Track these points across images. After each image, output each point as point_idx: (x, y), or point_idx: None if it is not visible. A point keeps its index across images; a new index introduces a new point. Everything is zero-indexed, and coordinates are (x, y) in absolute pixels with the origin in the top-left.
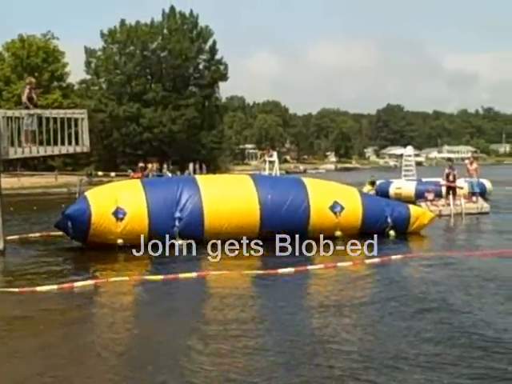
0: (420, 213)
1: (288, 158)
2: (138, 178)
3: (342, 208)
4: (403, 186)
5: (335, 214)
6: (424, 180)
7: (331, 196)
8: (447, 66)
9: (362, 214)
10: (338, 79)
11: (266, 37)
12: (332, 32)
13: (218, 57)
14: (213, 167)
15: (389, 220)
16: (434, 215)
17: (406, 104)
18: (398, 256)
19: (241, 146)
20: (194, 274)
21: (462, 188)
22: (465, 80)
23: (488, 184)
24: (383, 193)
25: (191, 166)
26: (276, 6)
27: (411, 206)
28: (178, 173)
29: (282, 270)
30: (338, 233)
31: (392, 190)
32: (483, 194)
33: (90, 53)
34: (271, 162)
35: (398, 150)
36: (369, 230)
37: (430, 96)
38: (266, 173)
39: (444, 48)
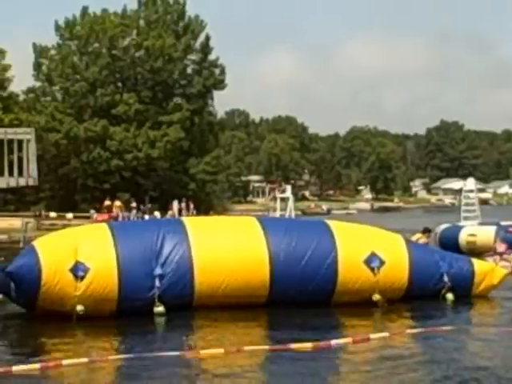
0: (488, 269)
1: (307, 193)
2: (103, 220)
3: (382, 262)
4: (479, 232)
5: (372, 270)
6: (503, 224)
7: (367, 245)
8: None
9: (409, 270)
10: (376, 88)
11: (280, 31)
12: (370, 26)
13: (212, 57)
14: (205, 206)
15: (445, 279)
16: (507, 272)
17: (466, 121)
18: (452, 327)
19: (243, 178)
20: (178, 353)
21: None
22: None
23: None
24: (450, 242)
25: (176, 204)
26: None
27: (475, 261)
28: (158, 214)
29: (297, 344)
30: (377, 296)
31: (463, 238)
32: None
33: (40, 51)
34: (284, 200)
35: (455, 184)
36: (418, 292)
37: (499, 110)
38: (277, 214)
39: None
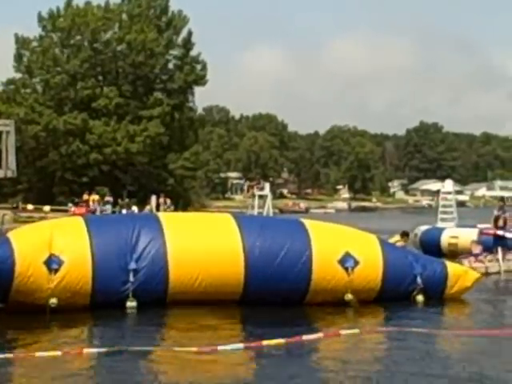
0: (461, 272)
1: (285, 191)
2: (81, 214)
3: (356, 262)
4: (461, 234)
5: (346, 270)
6: (480, 226)
7: (341, 245)
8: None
9: (383, 271)
10: (357, 87)
11: (264, 27)
12: (355, 25)
13: (194, 53)
14: (183, 202)
15: (418, 280)
16: (480, 275)
17: (445, 122)
18: (423, 329)
19: (222, 175)
20: (151, 348)
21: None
22: None
23: None
24: (432, 244)
25: (154, 199)
26: None
27: (449, 263)
28: (135, 208)
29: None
30: (349, 296)
31: (445, 240)
32: None
33: (22, 42)
34: (262, 197)
35: (433, 185)
36: (391, 293)
37: (480, 113)
38: (255, 211)
39: (509, 51)
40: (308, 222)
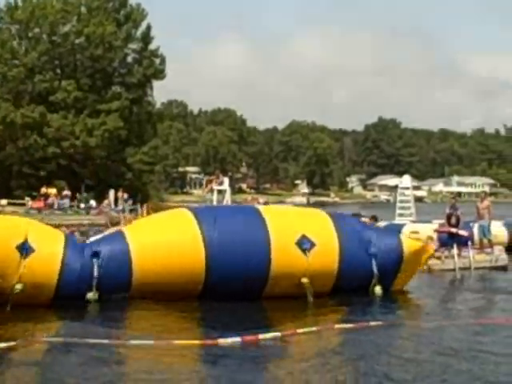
0: (416, 247)
1: (244, 186)
2: (38, 207)
3: (313, 244)
4: (422, 229)
5: (304, 251)
6: (435, 222)
7: (297, 227)
8: (471, 70)
9: (340, 251)
10: (317, 83)
11: (223, 22)
12: (315, 20)
13: (152, 47)
14: (142, 196)
15: (375, 270)
16: (432, 252)
17: (403, 119)
18: (379, 322)
19: (180, 169)
20: (105, 341)
21: (464, 236)
22: (489, 90)
23: None
24: None
25: (112, 193)
26: None
27: (404, 238)
28: (93, 202)
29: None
30: (305, 280)
31: (406, 235)
32: None
33: None
34: (221, 192)
35: (391, 181)
36: (349, 275)
37: (438, 109)
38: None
39: (471, 47)
40: (262, 208)
